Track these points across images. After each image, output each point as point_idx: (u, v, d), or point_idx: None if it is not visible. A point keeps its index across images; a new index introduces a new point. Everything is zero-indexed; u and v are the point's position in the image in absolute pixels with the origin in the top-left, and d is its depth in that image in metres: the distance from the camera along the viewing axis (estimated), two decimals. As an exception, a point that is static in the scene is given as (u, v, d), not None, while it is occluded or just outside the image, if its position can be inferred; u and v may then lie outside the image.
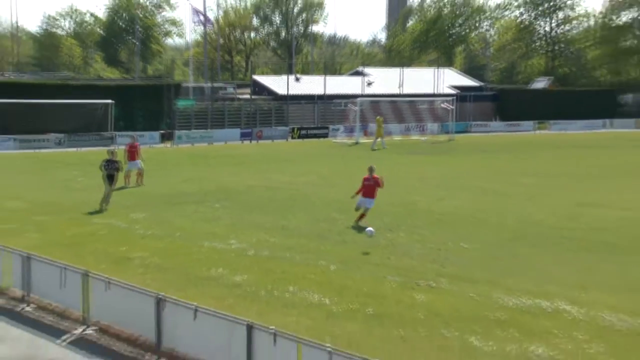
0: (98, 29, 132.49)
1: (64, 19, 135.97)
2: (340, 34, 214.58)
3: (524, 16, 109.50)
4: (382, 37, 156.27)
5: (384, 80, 79.26)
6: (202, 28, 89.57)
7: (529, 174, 38.82)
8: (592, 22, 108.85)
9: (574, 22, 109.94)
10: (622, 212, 26.96)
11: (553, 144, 59.59)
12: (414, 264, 19.29)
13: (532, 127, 76.09)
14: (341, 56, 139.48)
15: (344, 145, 59.10)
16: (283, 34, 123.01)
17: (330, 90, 72.35)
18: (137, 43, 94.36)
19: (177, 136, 58.67)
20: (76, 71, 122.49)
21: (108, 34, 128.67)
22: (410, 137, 66.35)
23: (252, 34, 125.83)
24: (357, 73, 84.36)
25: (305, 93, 73.11)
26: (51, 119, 55.47)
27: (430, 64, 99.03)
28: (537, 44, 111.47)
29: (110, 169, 27.76)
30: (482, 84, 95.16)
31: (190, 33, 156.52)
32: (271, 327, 11.83)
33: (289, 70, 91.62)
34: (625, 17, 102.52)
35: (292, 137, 64.73)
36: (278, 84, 75.27)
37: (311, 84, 76.08)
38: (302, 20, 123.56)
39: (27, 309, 16.08)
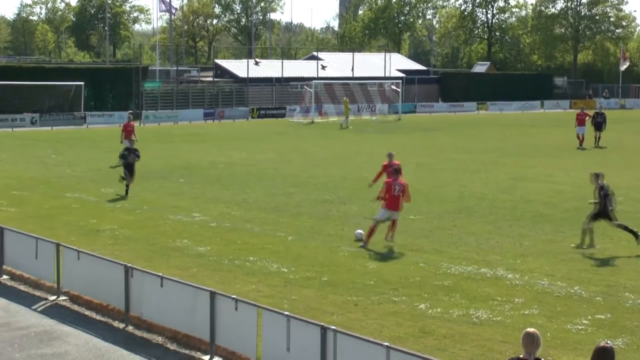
0: (70, 16, 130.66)
1: (38, 6, 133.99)
2: (296, 21, 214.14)
3: (465, 5, 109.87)
4: (335, 24, 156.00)
5: (337, 64, 79.08)
6: (168, 15, 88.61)
7: (468, 150, 38.97)
8: (528, 11, 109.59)
9: (513, 10, 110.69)
10: (553, 186, 27.15)
11: (491, 123, 59.88)
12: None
13: (475, 107, 76.41)
14: (297, 42, 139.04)
15: (300, 124, 58.96)
16: (243, 21, 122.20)
17: (287, 74, 72.10)
18: (107, 29, 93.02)
19: (144, 116, 58.00)
20: (49, 55, 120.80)
21: (79, 20, 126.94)
22: (362, 117, 66.26)
23: (215, 21, 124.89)
24: (312, 58, 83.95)
25: (264, 76, 72.80)
26: (26, 100, 54.62)
27: (379, 49, 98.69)
28: (477, 31, 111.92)
29: (130, 157, 25.01)
30: (427, 68, 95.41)
31: (156, 20, 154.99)
32: (233, 294, 11.70)
33: (249, 55, 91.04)
34: (558, 5, 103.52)
35: (252, 117, 64.40)
36: (239, 67, 74.79)
37: (269, 68, 75.74)
38: (261, 8, 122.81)
39: (1, 279, 15.73)
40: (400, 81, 71.66)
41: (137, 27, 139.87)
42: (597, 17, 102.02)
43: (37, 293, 14.83)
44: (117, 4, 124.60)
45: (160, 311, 12.55)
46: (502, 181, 28.14)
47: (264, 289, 14.52)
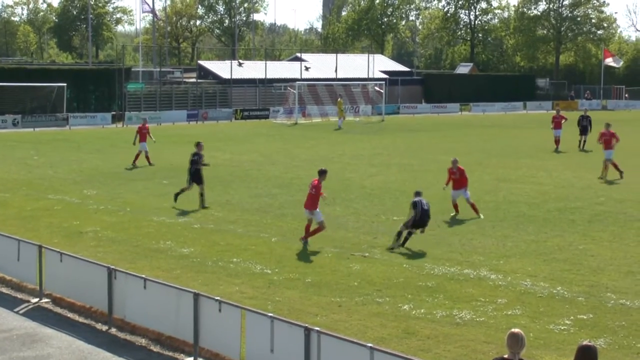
0: (52, 17, 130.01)
1: (19, 7, 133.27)
2: (279, 22, 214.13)
3: (448, 7, 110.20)
4: (318, 25, 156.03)
5: (321, 66, 79.07)
6: (151, 16, 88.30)
7: (451, 152, 38.95)
8: (510, 13, 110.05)
9: (496, 11, 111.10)
10: (536, 187, 27.23)
11: (473, 124, 60.03)
12: (349, 236, 19.25)
13: (458, 108, 76.62)
14: (281, 43, 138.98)
15: (283, 125, 58.89)
16: (227, 22, 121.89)
17: (271, 75, 72.08)
18: (89, 30, 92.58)
19: (127, 117, 57.78)
20: (31, 56, 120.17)
21: (61, 21, 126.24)
22: (345, 118, 66.23)
23: (198, 22, 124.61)
24: (296, 59, 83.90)
25: (248, 77, 72.71)
26: (8, 101, 54.34)
27: (363, 50, 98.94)
28: (460, 32, 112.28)
29: (194, 164, 23.59)
30: (410, 69, 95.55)
31: (139, 21, 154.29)
32: (216, 296, 11.67)
33: (233, 56, 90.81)
34: (540, 7, 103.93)
35: (236, 118, 64.30)
36: (222, 68, 74.60)
37: (253, 69, 75.62)
38: (244, 9, 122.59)
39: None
40: (384, 82, 71.73)
41: (120, 28, 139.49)
42: (579, 19, 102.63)
43: (20, 295, 14.74)
44: (100, 5, 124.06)
45: (144, 313, 12.51)
46: (485, 182, 28.20)
47: (247, 290, 14.49)
